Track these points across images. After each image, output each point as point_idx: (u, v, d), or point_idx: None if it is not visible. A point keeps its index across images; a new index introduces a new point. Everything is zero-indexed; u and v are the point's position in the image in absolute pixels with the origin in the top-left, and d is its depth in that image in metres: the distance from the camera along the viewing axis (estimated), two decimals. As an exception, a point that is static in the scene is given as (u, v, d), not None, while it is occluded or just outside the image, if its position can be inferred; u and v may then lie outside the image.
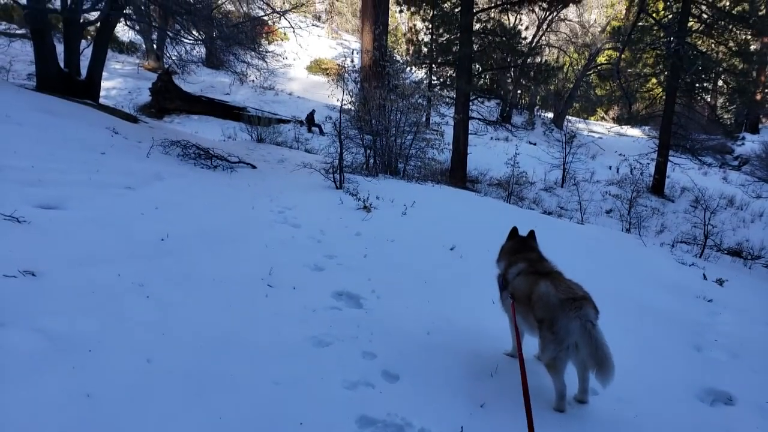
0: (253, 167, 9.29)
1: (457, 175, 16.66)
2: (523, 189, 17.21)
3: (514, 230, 3.64)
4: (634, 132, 30.34)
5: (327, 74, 30.09)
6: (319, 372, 2.85)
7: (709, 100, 25.23)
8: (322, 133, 20.10)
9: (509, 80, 22.94)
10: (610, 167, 21.67)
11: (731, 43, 19.60)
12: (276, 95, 25.84)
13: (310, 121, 21.11)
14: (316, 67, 31.82)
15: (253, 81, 26.00)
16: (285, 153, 13.24)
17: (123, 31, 22.20)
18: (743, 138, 27.62)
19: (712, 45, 20.41)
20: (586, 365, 2.83)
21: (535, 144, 25.05)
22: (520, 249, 3.47)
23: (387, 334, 3.45)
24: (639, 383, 3.26)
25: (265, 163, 10.64)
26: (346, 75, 16.56)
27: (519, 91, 25.99)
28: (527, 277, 3.16)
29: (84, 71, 11.44)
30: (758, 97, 27.11)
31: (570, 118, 33.48)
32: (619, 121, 34.05)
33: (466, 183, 16.66)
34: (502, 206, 9.88)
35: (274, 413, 2.42)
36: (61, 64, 10.83)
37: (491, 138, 24.45)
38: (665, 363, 3.76)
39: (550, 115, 32.77)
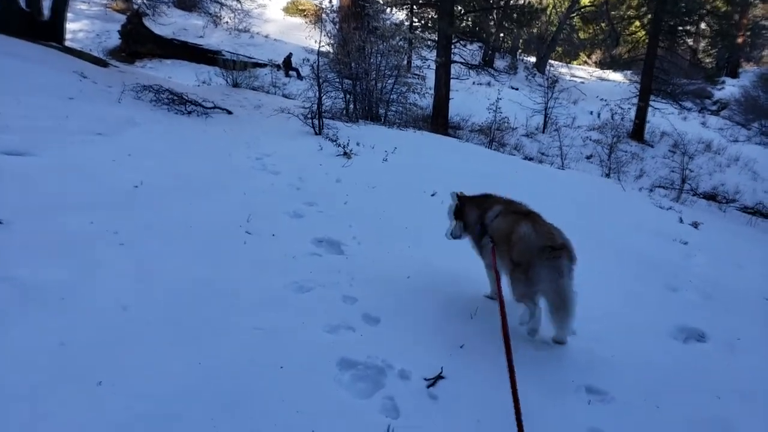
0: (229, 113, 9.02)
1: (438, 121, 16.44)
2: (505, 135, 17.12)
3: (462, 196, 3.55)
4: (616, 76, 30.12)
5: (304, 15, 29.02)
6: (299, 317, 2.85)
7: (691, 43, 25.00)
8: (299, 77, 19.54)
9: (492, 22, 22.35)
10: (592, 112, 21.60)
11: (715, -17, 19.33)
12: (251, 38, 24.88)
13: (287, 64, 20.48)
14: (293, 7, 30.59)
15: (227, 23, 25.00)
16: (262, 98, 12.85)
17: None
18: (723, 82, 27.62)
19: (697, -15, 20.06)
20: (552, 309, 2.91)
21: (517, 89, 24.71)
22: (488, 197, 3.47)
23: (368, 279, 3.45)
24: (616, 323, 3.34)
25: (241, 108, 10.33)
26: (324, 16, 16.00)
27: (501, 34, 25.40)
28: (507, 216, 3.16)
29: (47, 12, 10.83)
30: (740, 40, 26.96)
31: (552, 62, 32.99)
32: (601, 65, 33.69)
33: (447, 129, 16.48)
34: (483, 152, 9.84)
35: (255, 358, 2.42)
36: (22, 4, 10.23)
37: (473, 83, 24.04)
38: (641, 303, 3.85)
39: (533, 59, 32.19)
